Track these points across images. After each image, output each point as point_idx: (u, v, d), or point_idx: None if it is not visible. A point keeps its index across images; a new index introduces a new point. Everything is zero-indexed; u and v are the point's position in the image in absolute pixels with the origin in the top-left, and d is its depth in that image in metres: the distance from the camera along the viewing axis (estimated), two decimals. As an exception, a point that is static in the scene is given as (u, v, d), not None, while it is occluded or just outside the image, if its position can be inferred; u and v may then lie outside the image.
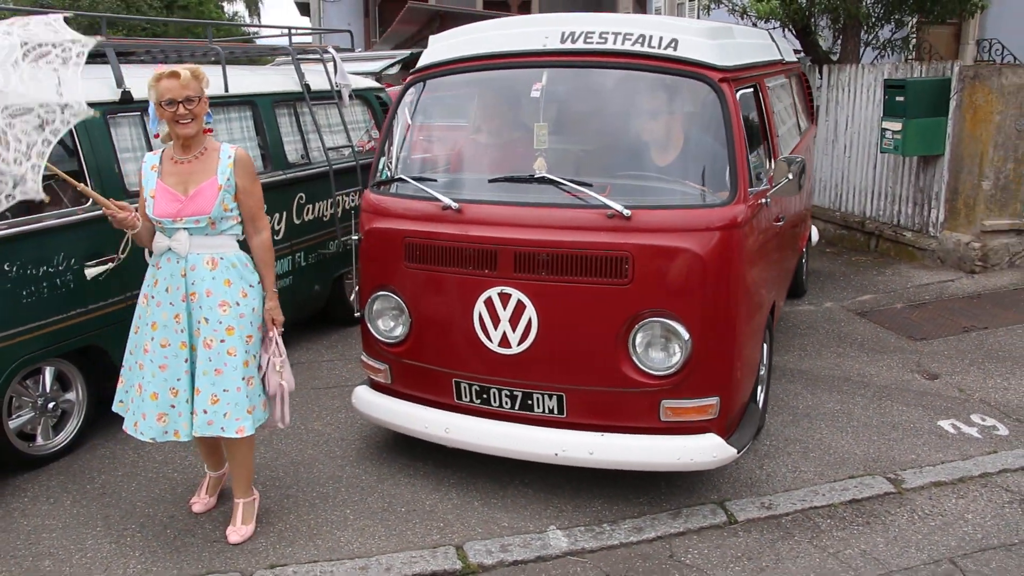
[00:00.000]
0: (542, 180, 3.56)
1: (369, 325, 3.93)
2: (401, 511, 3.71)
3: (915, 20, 9.87)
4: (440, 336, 3.72)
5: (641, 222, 3.39)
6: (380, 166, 4.07)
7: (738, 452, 3.59)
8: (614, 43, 3.63)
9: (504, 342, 3.56)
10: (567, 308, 3.47)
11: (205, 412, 3.20)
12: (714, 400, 3.51)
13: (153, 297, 3.25)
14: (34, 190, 2.81)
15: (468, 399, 3.73)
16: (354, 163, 6.02)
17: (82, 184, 3.27)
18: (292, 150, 5.63)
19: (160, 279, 3.24)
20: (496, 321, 3.56)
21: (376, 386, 4.08)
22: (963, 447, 4.27)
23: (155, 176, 3.20)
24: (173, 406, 3.22)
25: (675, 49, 3.59)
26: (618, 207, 3.38)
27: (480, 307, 3.56)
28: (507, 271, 3.50)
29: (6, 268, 3.74)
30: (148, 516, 3.67)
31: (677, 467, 3.55)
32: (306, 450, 4.29)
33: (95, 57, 4.78)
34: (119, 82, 4.39)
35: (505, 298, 3.52)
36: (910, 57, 10.34)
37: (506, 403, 3.66)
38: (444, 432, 3.76)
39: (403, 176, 3.86)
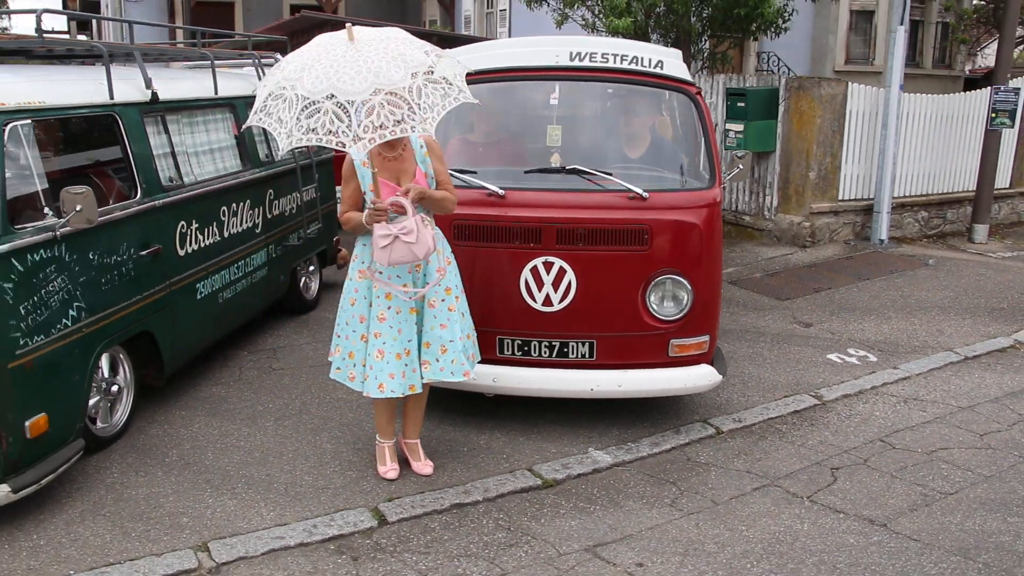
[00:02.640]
0: (573, 171, 4.42)
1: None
2: (464, 451, 4.41)
3: (729, 37, 11.59)
4: (485, 301, 4.45)
5: (654, 202, 4.35)
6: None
7: (723, 377, 4.66)
8: (614, 62, 4.57)
9: (547, 302, 4.38)
10: (599, 271, 4.35)
11: (437, 361, 3.81)
12: (706, 337, 4.56)
13: (382, 273, 3.76)
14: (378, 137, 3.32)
15: (510, 352, 4.50)
16: (310, 161, 6.50)
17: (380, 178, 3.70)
18: (261, 150, 6.03)
19: None
20: (540, 285, 4.37)
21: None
22: (851, 371, 5.65)
23: (369, 171, 3.67)
24: (407, 364, 3.78)
25: (661, 68, 4.59)
26: (638, 190, 4.32)
27: (527, 274, 4.36)
28: (550, 244, 4.33)
29: (90, 256, 4.00)
30: (246, 477, 4.10)
31: (684, 391, 4.57)
32: (346, 414, 4.83)
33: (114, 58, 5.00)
34: (147, 84, 4.68)
35: (548, 266, 4.34)
36: (706, 66, 12.06)
37: (544, 353, 4.48)
38: (492, 381, 4.50)
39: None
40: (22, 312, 3.58)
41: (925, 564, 3.46)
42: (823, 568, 3.43)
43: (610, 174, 4.41)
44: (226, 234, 5.34)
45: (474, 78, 4.67)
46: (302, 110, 3.34)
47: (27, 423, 3.61)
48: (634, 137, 4.75)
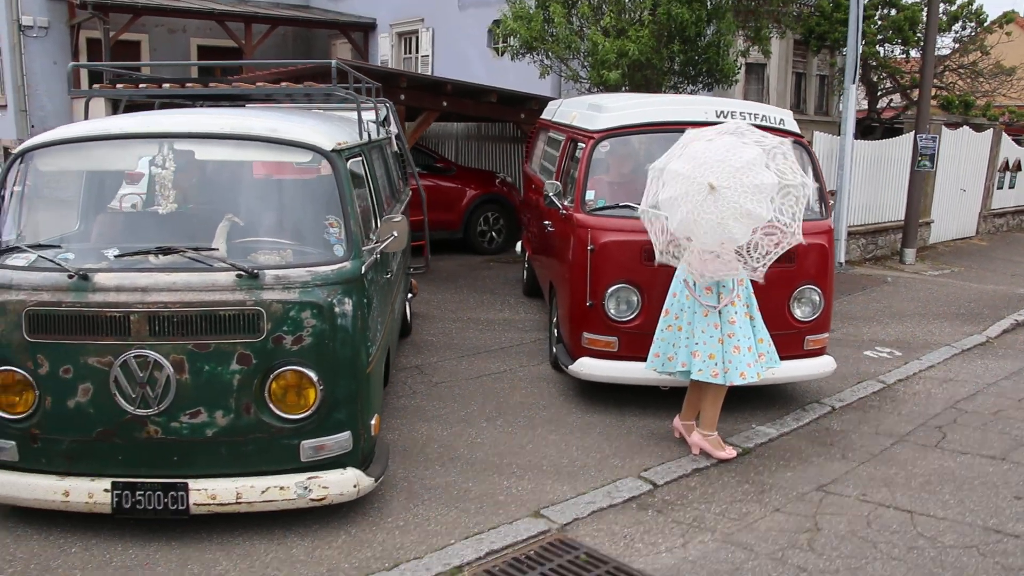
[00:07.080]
0: (735, 204, 5.54)
1: (605, 310, 5.52)
2: (661, 433, 5.37)
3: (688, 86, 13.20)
4: (666, 311, 5.47)
5: (797, 228, 5.57)
6: (586, 196, 5.69)
7: (836, 366, 5.91)
8: (750, 119, 5.77)
9: (720, 309, 5.46)
10: (763, 283, 5.48)
11: (749, 365, 4.73)
12: (827, 334, 5.82)
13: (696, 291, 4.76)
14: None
15: (687, 352, 5.53)
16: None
17: None
18: (393, 182, 6.75)
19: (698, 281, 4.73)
20: (715, 296, 5.44)
21: (597, 356, 5.64)
22: (890, 363, 7.09)
23: None
24: (718, 363, 4.72)
25: (783, 124, 5.86)
26: (787, 219, 5.51)
27: (705, 287, 5.42)
28: (724, 262, 5.42)
29: (378, 278, 4.68)
30: (515, 464, 4.84)
31: (817, 376, 5.80)
32: (541, 412, 5.65)
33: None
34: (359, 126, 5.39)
35: (723, 280, 5.43)
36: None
37: (715, 351, 5.55)
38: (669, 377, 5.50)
39: (628, 204, 5.54)
40: (368, 324, 4.25)
41: (1050, 481, 4.83)
42: (987, 486, 4.71)
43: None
44: (397, 261, 6.04)
45: (638, 129, 5.80)
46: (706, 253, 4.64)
47: (371, 421, 4.26)
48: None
